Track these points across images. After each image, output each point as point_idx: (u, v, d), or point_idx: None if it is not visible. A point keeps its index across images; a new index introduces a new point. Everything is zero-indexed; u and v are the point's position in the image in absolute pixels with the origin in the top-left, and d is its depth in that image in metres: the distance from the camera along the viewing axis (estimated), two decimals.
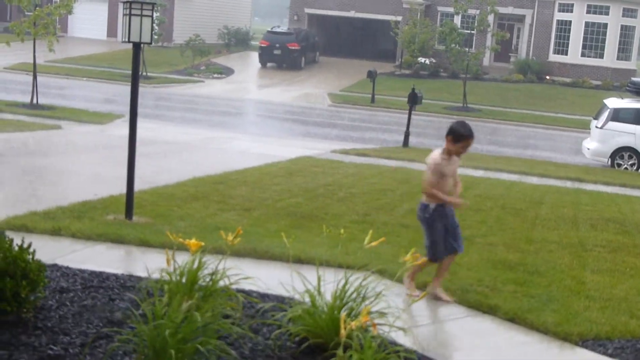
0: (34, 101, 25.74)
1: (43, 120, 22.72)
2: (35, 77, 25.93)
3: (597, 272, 10.15)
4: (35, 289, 6.44)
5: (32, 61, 26.19)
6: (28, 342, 5.94)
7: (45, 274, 6.61)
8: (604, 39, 50.37)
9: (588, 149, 24.72)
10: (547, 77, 49.38)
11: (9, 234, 6.84)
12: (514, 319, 7.88)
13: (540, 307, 8.23)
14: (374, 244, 6.88)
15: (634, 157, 23.82)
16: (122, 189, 11.40)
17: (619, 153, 23.98)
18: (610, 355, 7.16)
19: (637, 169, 23.71)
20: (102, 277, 7.87)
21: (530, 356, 7.11)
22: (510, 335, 7.59)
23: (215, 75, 44.82)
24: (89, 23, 58.35)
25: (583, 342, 7.42)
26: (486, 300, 8.27)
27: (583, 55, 50.68)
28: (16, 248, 6.43)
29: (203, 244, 6.63)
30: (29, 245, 6.52)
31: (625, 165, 23.86)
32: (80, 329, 6.32)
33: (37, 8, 25.06)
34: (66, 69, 40.72)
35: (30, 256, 6.47)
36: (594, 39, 50.45)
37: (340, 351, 5.55)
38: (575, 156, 26.68)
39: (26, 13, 25.94)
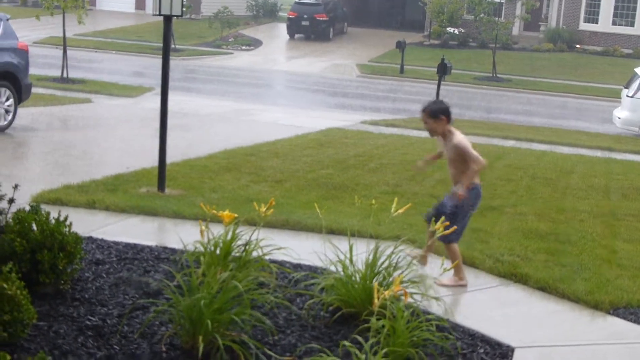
0: (64, 75, 25.88)
1: (74, 94, 22.89)
2: (65, 51, 26.04)
3: (628, 241, 10.15)
4: (72, 261, 6.55)
5: (61, 35, 26.30)
6: (67, 313, 6.06)
7: (81, 246, 6.72)
8: (635, 7, 49.73)
9: (619, 118, 24.50)
10: (578, 46, 48.90)
11: (45, 207, 6.94)
12: (545, 288, 7.91)
13: (571, 276, 8.25)
14: (400, 211, 6.91)
15: None
16: (153, 161, 11.51)
17: None
18: None
19: None
20: (136, 249, 7.98)
21: (562, 325, 7.14)
22: (541, 304, 7.62)
23: (244, 47, 44.75)
24: None
25: (614, 310, 7.45)
26: (517, 270, 8.29)
27: (614, 23, 50.09)
28: (53, 221, 6.54)
29: (236, 215, 6.70)
30: (66, 218, 6.62)
31: None
32: (116, 300, 6.44)
33: None
34: (95, 43, 40.82)
35: (67, 229, 6.58)
36: (625, 7, 49.85)
37: (373, 320, 5.61)
38: (606, 125, 26.49)
39: None
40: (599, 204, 12.49)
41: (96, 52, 38.52)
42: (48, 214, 6.59)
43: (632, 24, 49.72)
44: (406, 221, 9.38)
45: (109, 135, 16.62)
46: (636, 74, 24.63)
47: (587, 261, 8.95)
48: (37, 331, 5.67)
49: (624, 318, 7.30)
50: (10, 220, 6.46)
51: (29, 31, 38.14)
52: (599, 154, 19.20)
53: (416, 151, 16.83)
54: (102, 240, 8.22)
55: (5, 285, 5.37)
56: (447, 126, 7.89)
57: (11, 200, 6.69)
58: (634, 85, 24.02)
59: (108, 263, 7.41)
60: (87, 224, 8.90)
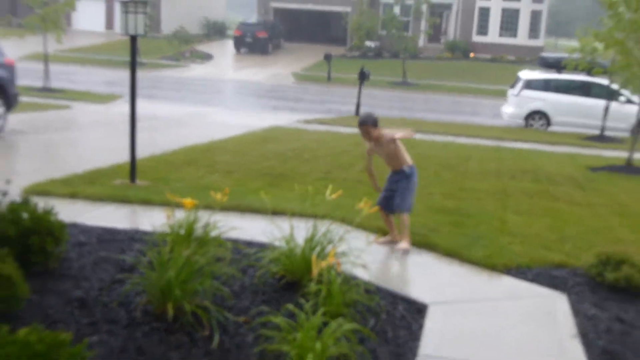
0: (46, 85, 25.39)
1: (55, 102, 22.42)
2: (46, 65, 25.56)
3: (517, 214, 10.31)
4: (59, 244, 6.42)
5: (42, 51, 25.80)
6: (55, 288, 5.94)
7: (66, 230, 6.60)
8: (517, 21, 50.59)
9: (506, 113, 25.02)
10: (472, 55, 49.49)
11: (34, 198, 6.79)
12: (451, 254, 7.98)
13: (472, 244, 8.34)
14: (334, 196, 6.93)
15: (544, 118, 24.20)
16: (125, 157, 11.33)
17: (531, 116, 24.32)
18: (530, 281, 7.30)
19: (546, 128, 24.09)
20: (113, 232, 7.84)
21: (466, 284, 7.22)
22: (449, 268, 7.69)
23: (198, 61, 44.39)
24: (90, 17, 57.34)
25: (507, 271, 7.55)
26: (429, 240, 8.36)
27: (501, 35, 50.87)
28: (41, 210, 6.41)
29: (197, 202, 6.63)
30: (52, 208, 6.49)
31: (537, 126, 24.20)
32: (98, 276, 6.33)
33: (45, 7, 24.66)
34: (72, 58, 40.09)
35: (53, 217, 6.44)
36: (510, 22, 50.65)
37: (312, 285, 5.62)
38: (496, 119, 26.86)
39: (36, 10, 25.42)
40: (493, 184, 12.65)
41: (89, 66, 37.81)
42: (36, 204, 6.45)
43: (515, 36, 50.55)
44: (337, 203, 9.35)
45: (86, 136, 16.32)
46: (519, 77, 25.15)
47: (484, 231, 9.06)
48: (30, 304, 5.55)
49: (516, 277, 7.41)
50: (4, 210, 6.31)
51: (13, 48, 37.23)
52: (492, 143, 19.45)
53: (343, 144, 16.85)
54: (83, 225, 8.06)
55: (2, 266, 5.24)
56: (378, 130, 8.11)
57: (4, 193, 6.54)
58: (518, 86, 24.59)
59: (89, 244, 7.27)
60: (70, 211, 8.72)
